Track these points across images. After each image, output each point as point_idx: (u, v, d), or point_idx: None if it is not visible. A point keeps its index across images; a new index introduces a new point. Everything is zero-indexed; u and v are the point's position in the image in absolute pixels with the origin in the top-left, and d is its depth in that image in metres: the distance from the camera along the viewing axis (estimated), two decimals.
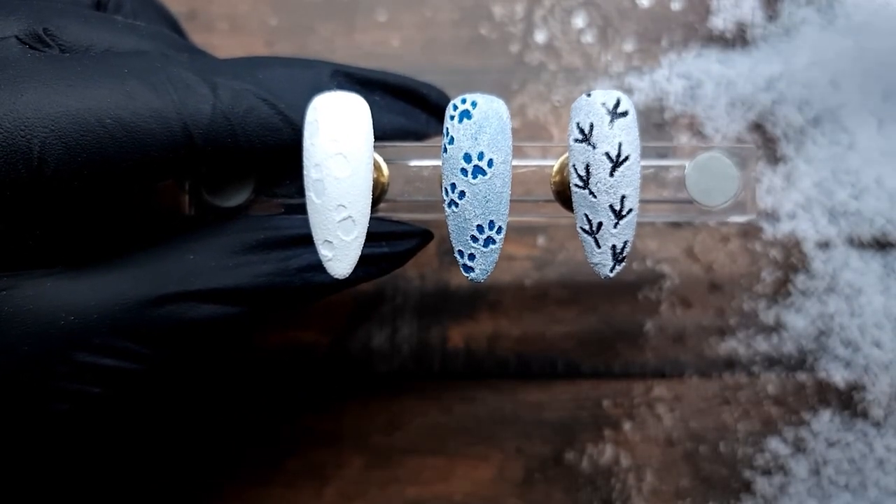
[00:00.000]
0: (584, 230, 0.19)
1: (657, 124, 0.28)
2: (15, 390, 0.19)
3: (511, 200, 0.21)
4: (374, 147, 0.20)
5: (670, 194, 0.23)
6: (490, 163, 0.18)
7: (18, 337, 0.19)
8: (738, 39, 0.28)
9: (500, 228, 0.19)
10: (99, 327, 0.19)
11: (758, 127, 0.28)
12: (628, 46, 0.29)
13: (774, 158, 0.28)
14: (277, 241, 0.21)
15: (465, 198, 0.19)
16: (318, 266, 0.21)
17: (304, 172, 0.19)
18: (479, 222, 0.19)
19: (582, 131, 0.18)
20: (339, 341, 0.28)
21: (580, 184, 0.19)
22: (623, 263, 0.19)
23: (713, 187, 0.22)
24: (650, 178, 0.22)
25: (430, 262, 0.28)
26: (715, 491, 0.27)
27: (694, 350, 0.27)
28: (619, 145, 0.18)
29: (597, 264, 0.19)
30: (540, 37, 0.29)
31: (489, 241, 0.19)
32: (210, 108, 0.20)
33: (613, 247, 0.19)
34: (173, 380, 0.27)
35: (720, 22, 0.28)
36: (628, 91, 0.28)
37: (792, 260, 0.27)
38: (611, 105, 0.18)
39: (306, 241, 0.20)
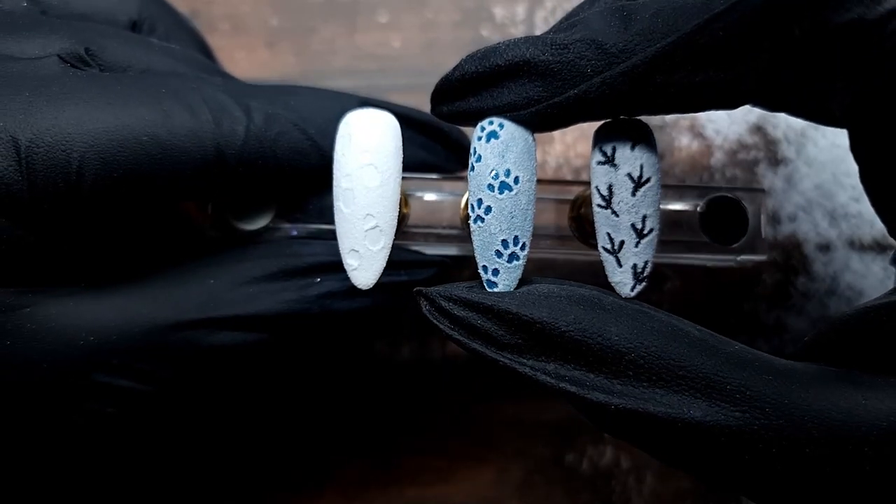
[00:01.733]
0: (605, 249, 0.19)
1: (658, 126, 0.28)
2: (33, 406, 0.19)
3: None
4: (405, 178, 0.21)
5: (683, 234, 0.23)
6: (517, 180, 0.19)
7: (39, 354, 0.19)
8: None
9: (524, 245, 0.19)
10: (118, 349, 0.19)
11: (758, 129, 0.28)
12: None
13: (775, 160, 0.28)
14: (298, 269, 0.21)
15: (492, 213, 0.19)
16: (338, 294, 0.21)
17: (335, 184, 0.20)
18: (505, 237, 0.19)
19: (605, 154, 0.19)
20: (340, 344, 0.28)
21: (603, 204, 0.19)
22: (644, 283, 0.19)
23: (725, 227, 0.22)
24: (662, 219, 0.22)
25: None
26: (715, 493, 0.27)
27: None
28: (641, 167, 0.19)
29: (618, 283, 0.19)
30: None
31: (513, 256, 0.19)
32: (243, 130, 0.20)
33: (634, 266, 0.19)
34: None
35: None
36: None
37: (793, 262, 0.27)
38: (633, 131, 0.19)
39: (326, 268, 0.21)
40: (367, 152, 0.19)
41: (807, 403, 0.16)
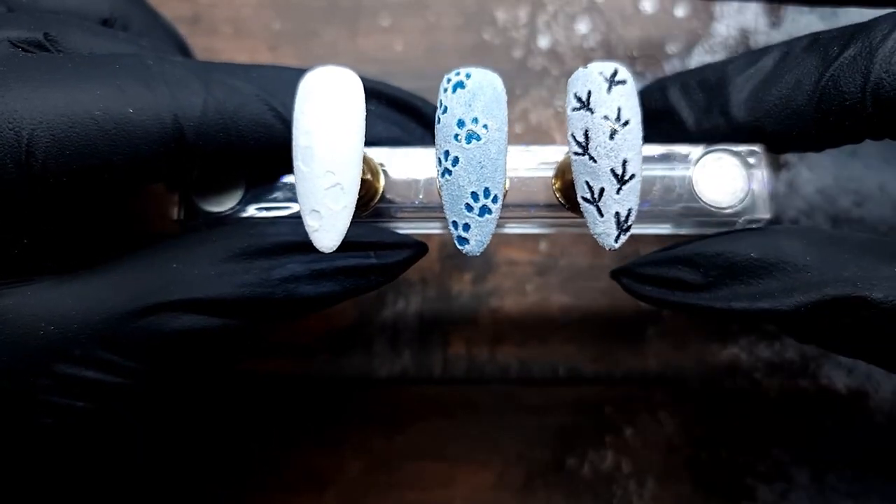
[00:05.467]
0: (585, 199, 0.18)
1: None
2: None
3: (514, 206, 0.21)
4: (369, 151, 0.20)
5: (678, 200, 0.22)
6: (485, 127, 0.18)
7: None
8: (742, 46, 0.28)
9: (496, 197, 0.18)
10: (79, 338, 0.19)
11: None
12: (632, 52, 0.29)
13: (778, 165, 0.28)
14: (261, 250, 0.20)
15: (459, 164, 0.18)
16: (302, 277, 0.20)
17: (294, 143, 0.19)
18: (474, 189, 0.18)
19: (580, 99, 0.18)
20: (341, 346, 0.28)
21: (579, 150, 0.18)
22: (628, 233, 0.18)
23: (722, 188, 0.22)
24: (658, 187, 0.22)
25: (432, 267, 0.28)
26: (716, 497, 0.27)
27: (696, 356, 0.27)
28: (619, 109, 0.18)
29: (600, 234, 0.18)
30: (543, 42, 0.29)
31: (485, 209, 0.18)
32: (202, 102, 0.19)
33: (617, 214, 0.18)
34: (170, 387, 0.27)
35: (723, 28, 0.28)
36: None
37: None
38: (608, 74, 0.18)
39: (291, 249, 0.20)
40: (325, 107, 0.18)
41: None
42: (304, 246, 0.20)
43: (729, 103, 0.21)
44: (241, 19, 0.30)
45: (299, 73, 0.21)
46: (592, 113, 0.18)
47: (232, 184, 0.22)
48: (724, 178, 0.22)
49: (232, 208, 0.22)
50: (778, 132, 0.21)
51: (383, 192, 0.22)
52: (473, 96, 0.18)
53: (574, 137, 0.18)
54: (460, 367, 0.28)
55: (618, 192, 0.18)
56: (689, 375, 0.27)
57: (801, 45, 0.21)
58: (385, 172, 0.22)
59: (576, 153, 0.18)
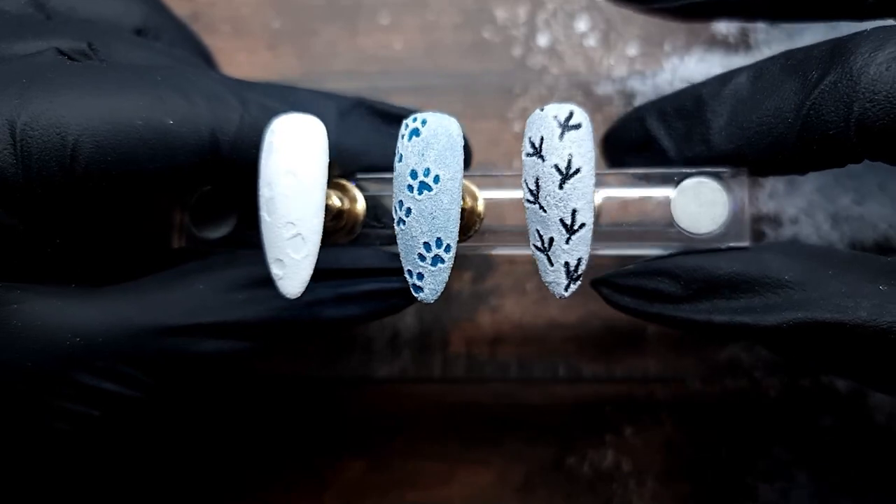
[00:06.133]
0: (536, 247, 0.18)
1: None
2: (16, 405, 0.19)
3: (498, 231, 0.22)
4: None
5: (657, 224, 0.22)
6: (436, 179, 0.18)
7: (23, 352, 0.19)
8: (741, 43, 0.28)
9: (448, 247, 0.18)
10: (103, 351, 0.19)
11: None
12: (631, 50, 0.29)
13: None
14: None
15: (412, 215, 0.18)
16: (328, 301, 0.21)
17: (259, 193, 0.19)
18: (426, 239, 0.18)
19: (533, 145, 0.18)
20: (340, 345, 0.28)
21: (531, 199, 0.18)
22: (579, 282, 0.18)
23: (701, 214, 0.21)
24: (635, 206, 0.22)
25: None
26: (716, 496, 0.27)
27: (696, 355, 0.27)
28: (569, 157, 0.18)
29: (551, 283, 0.18)
30: (542, 40, 0.29)
31: (437, 259, 0.18)
32: (238, 118, 0.20)
33: (567, 264, 0.18)
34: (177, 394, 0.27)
35: (723, 26, 0.28)
36: (630, 95, 0.28)
37: None
38: (562, 118, 0.18)
39: (315, 275, 0.20)
40: (286, 159, 0.19)
41: None
42: (327, 272, 0.21)
43: (709, 130, 0.21)
44: (240, 18, 0.30)
45: (332, 98, 0.22)
46: (543, 161, 0.18)
47: (225, 210, 0.23)
48: (704, 203, 0.21)
49: (226, 235, 0.22)
50: (760, 160, 0.20)
51: (364, 217, 0.22)
52: (427, 145, 0.18)
53: (526, 184, 0.18)
54: (460, 367, 0.28)
55: (567, 241, 0.18)
56: (689, 375, 0.27)
57: (775, 65, 0.20)
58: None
59: (528, 201, 0.18)
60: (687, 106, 0.21)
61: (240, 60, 0.29)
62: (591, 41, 0.29)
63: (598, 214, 0.22)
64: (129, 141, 0.19)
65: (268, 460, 0.27)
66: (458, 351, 0.28)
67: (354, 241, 0.22)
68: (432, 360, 0.28)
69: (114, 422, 0.21)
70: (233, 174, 0.21)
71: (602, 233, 0.22)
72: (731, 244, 0.21)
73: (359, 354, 0.28)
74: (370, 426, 0.27)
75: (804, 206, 0.27)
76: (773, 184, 0.27)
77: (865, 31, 0.19)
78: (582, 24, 0.29)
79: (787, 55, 0.20)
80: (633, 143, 0.23)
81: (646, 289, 0.21)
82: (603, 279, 0.22)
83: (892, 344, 0.18)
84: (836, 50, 0.19)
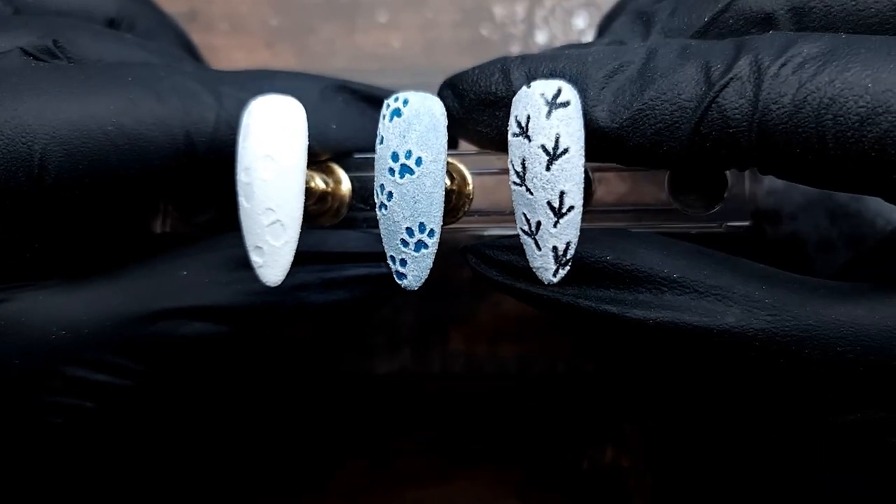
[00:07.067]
0: (523, 231, 0.18)
1: None
2: (7, 403, 0.19)
3: (488, 213, 0.21)
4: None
5: (653, 204, 0.21)
6: (419, 161, 0.17)
7: (10, 350, 0.19)
8: None
9: (431, 231, 0.18)
10: (90, 342, 0.19)
11: None
12: None
13: None
14: None
15: (393, 199, 0.18)
16: (313, 285, 0.21)
17: (236, 177, 0.19)
18: (409, 224, 0.18)
19: (519, 124, 0.17)
20: (339, 343, 0.28)
21: (517, 181, 0.17)
22: (568, 267, 0.18)
23: (698, 192, 0.21)
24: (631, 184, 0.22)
25: None
26: (717, 495, 0.27)
27: None
28: (557, 137, 0.17)
29: (538, 268, 0.18)
30: (541, 38, 0.29)
31: (420, 244, 0.18)
32: (214, 117, 0.19)
33: (555, 248, 0.17)
34: (171, 385, 0.27)
35: None
36: None
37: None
38: (550, 95, 0.17)
39: (300, 258, 0.20)
40: (264, 143, 0.18)
41: (839, 308, 0.18)
42: (314, 256, 0.20)
43: (587, 100, 0.18)
44: (237, 16, 0.30)
45: (314, 81, 0.21)
46: (530, 141, 0.17)
47: (206, 195, 0.22)
48: (703, 181, 0.21)
49: (210, 218, 0.22)
50: (642, 145, 0.18)
51: (351, 199, 0.22)
52: (409, 126, 0.18)
53: (513, 166, 0.17)
54: (459, 364, 0.28)
55: (555, 225, 0.17)
56: (690, 372, 0.27)
57: (671, 49, 0.18)
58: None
59: (514, 183, 0.18)
60: (567, 71, 0.19)
61: (237, 58, 0.29)
62: (590, 38, 0.29)
63: (591, 195, 0.21)
64: (101, 147, 0.18)
65: (268, 459, 0.27)
66: (457, 348, 0.27)
67: (342, 223, 0.22)
68: (431, 357, 0.28)
69: (109, 414, 0.20)
70: (211, 172, 0.20)
71: (594, 214, 0.21)
72: (730, 225, 0.21)
73: (357, 351, 0.28)
74: (369, 424, 0.27)
75: (803, 202, 0.27)
76: (771, 180, 0.27)
77: (769, 33, 0.18)
78: (580, 21, 0.29)
79: (685, 44, 0.19)
80: (486, 100, 0.20)
81: (515, 265, 0.19)
82: (474, 247, 0.20)
83: (756, 352, 0.18)
84: (742, 47, 0.18)
